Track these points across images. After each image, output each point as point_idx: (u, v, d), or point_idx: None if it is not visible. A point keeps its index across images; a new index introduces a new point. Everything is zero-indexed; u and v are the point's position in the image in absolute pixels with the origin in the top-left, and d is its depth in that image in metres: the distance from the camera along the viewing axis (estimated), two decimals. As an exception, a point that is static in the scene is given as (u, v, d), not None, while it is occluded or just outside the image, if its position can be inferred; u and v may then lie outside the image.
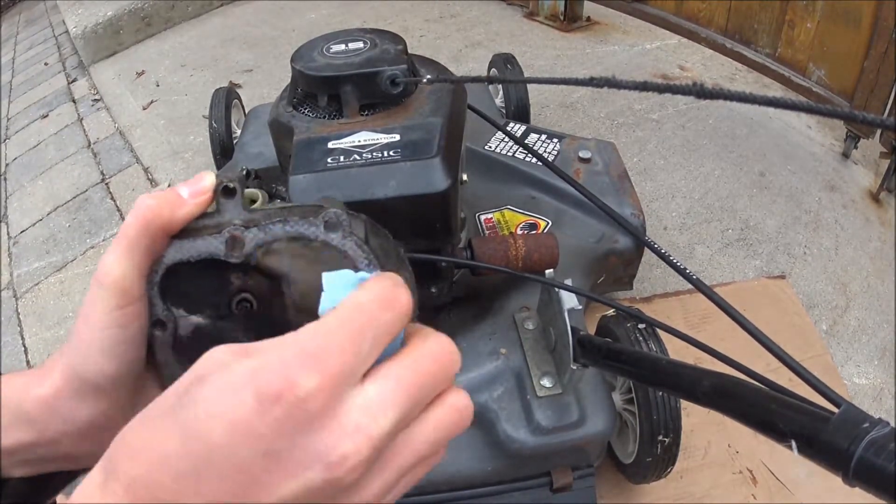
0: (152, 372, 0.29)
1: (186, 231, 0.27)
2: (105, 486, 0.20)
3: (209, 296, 0.27)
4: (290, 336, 0.21)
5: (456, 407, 0.24)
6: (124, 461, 0.20)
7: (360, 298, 0.23)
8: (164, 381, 0.29)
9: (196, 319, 0.28)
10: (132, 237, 0.25)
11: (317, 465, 0.20)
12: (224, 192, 0.27)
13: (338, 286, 0.24)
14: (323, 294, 0.24)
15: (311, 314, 0.25)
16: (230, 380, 0.20)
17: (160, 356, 0.28)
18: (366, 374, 0.22)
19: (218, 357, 0.22)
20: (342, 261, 0.26)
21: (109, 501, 0.20)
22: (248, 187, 0.29)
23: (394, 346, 0.24)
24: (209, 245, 0.26)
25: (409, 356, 0.23)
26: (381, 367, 0.22)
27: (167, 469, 0.20)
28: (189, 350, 0.28)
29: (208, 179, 0.27)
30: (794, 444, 0.33)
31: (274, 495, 0.20)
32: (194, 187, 0.27)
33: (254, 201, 0.55)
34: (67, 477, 0.31)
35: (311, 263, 0.26)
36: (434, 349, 0.24)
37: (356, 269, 0.26)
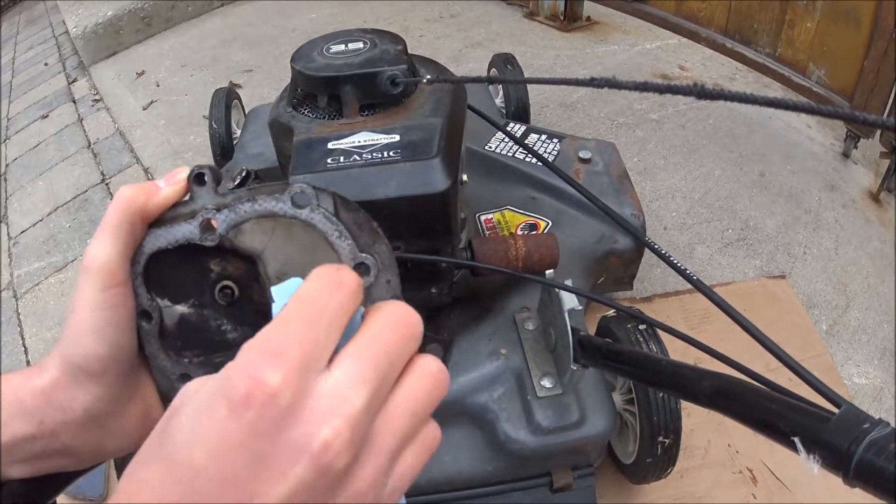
0: (145, 363, 0.29)
1: (163, 220, 0.28)
2: None
3: (191, 284, 0.28)
4: (247, 343, 0.21)
5: (429, 372, 0.24)
6: None
7: (306, 289, 0.23)
8: (154, 373, 0.29)
9: (181, 309, 0.28)
10: (113, 224, 0.27)
11: (303, 459, 0.20)
12: (196, 179, 0.28)
13: (286, 294, 0.24)
14: (273, 305, 0.25)
15: None
16: (201, 401, 0.21)
17: (148, 348, 0.28)
18: (331, 361, 0.22)
19: (189, 388, 0.22)
20: (312, 235, 0.27)
21: None
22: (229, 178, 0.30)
23: (354, 328, 0.24)
24: (184, 230, 0.27)
25: (367, 331, 0.23)
26: (344, 350, 0.22)
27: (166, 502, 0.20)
28: (175, 340, 0.29)
29: (183, 171, 0.28)
30: (800, 446, 0.33)
31: (270, 502, 0.20)
32: (169, 178, 0.28)
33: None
34: (66, 478, 0.31)
35: (283, 240, 0.27)
36: (391, 318, 0.23)
37: (326, 241, 0.27)
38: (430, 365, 0.24)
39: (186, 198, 0.29)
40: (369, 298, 0.26)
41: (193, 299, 0.28)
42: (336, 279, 0.23)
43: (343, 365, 0.22)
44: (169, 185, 0.28)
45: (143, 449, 0.22)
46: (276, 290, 0.25)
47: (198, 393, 0.21)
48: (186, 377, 0.28)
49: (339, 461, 0.20)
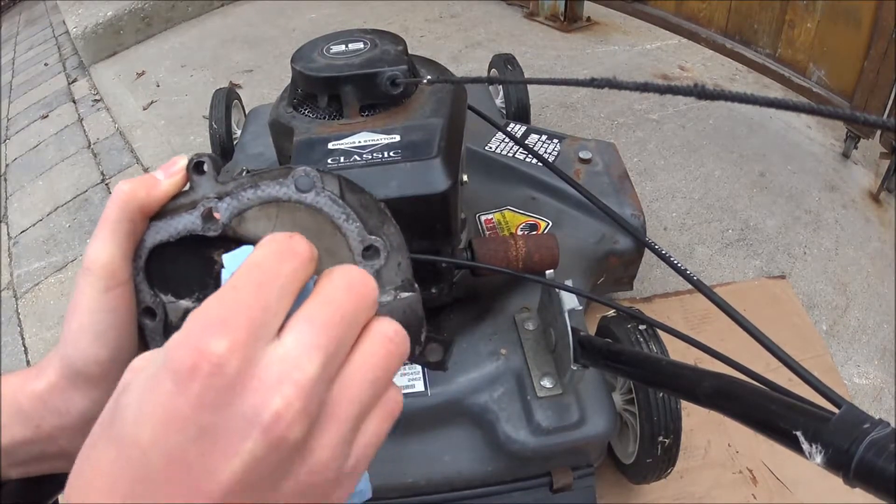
0: None
1: (164, 212, 0.27)
2: None
3: (195, 277, 0.27)
4: (192, 312, 0.20)
5: (386, 335, 0.23)
6: (78, 497, 0.20)
7: (256, 257, 0.22)
8: None
9: (185, 304, 0.27)
10: (113, 221, 0.26)
11: (253, 432, 0.19)
12: (196, 168, 0.27)
13: (237, 262, 0.23)
14: (223, 272, 0.24)
15: None
16: (147, 375, 0.20)
17: (152, 345, 0.28)
18: (281, 329, 0.21)
19: (136, 363, 0.21)
20: (318, 219, 0.26)
21: None
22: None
23: (306, 297, 0.23)
24: (186, 222, 0.27)
25: (318, 295, 0.22)
26: (294, 315, 0.21)
27: (117, 489, 0.19)
28: None
29: (181, 160, 0.27)
30: (807, 447, 0.33)
31: (222, 479, 0.19)
32: (167, 169, 0.27)
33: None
34: (65, 479, 0.31)
35: (288, 226, 0.26)
36: (343, 281, 0.22)
37: (333, 225, 0.26)
38: (386, 328, 0.23)
39: (186, 188, 0.28)
40: (380, 282, 0.25)
41: (198, 293, 0.27)
42: (287, 247, 0.22)
43: (294, 331, 0.21)
44: (168, 177, 0.27)
45: (95, 428, 0.21)
46: (227, 258, 0.24)
47: (144, 368, 0.20)
48: None
49: (293, 432, 0.19)
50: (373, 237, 0.26)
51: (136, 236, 0.27)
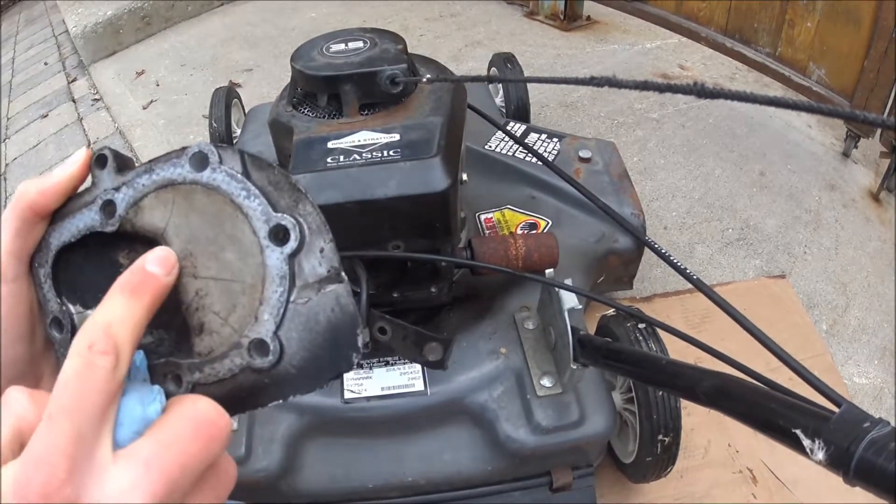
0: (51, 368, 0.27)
1: (64, 212, 0.25)
2: None
3: (102, 283, 0.24)
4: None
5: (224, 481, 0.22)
6: None
7: (64, 375, 0.20)
8: None
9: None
10: (3, 219, 0.25)
11: None
12: (98, 163, 0.26)
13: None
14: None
15: (194, 276, 0.23)
16: None
17: (62, 358, 0.25)
18: (123, 445, 0.20)
19: None
20: (216, 200, 0.23)
21: None
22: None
23: (139, 378, 0.21)
24: (86, 219, 0.25)
25: (162, 430, 0.20)
26: (135, 446, 0.20)
27: None
28: None
29: (79, 153, 0.26)
30: (807, 445, 0.33)
31: None
32: (65, 162, 0.26)
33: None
34: None
35: (186, 212, 0.23)
36: (192, 422, 0.21)
37: (233, 205, 0.23)
38: (230, 469, 0.22)
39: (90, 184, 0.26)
40: (299, 270, 0.23)
41: None
42: (88, 361, 0.20)
43: (130, 469, 0.19)
44: (63, 171, 0.25)
45: None
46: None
47: None
48: None
49: None
50: (280, 215, 0.23)
51: (31, 235, 0.25)
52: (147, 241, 0.24)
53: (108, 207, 0.24)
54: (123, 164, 0.25)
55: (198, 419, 0.21)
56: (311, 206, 0.23)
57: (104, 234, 0.24)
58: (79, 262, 0.25)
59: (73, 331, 0.25)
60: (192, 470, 0.20)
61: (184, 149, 0.24)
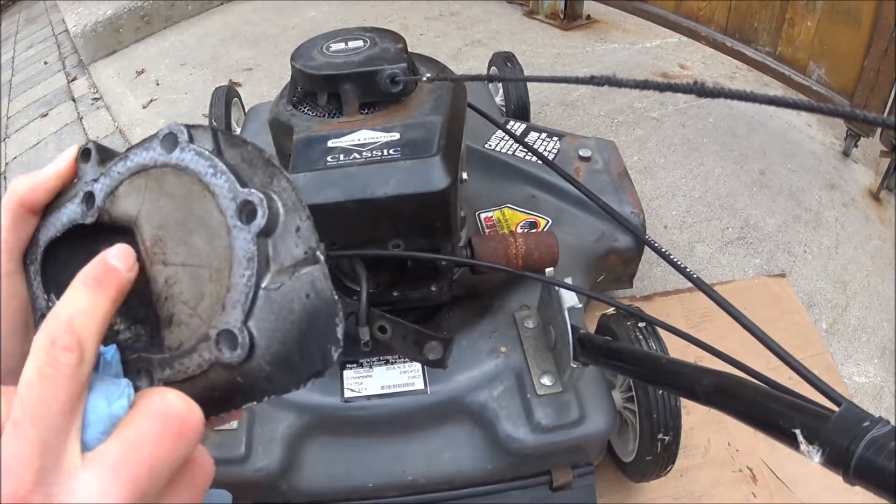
0: None
1: (53, 208, 0.25)
2: None
3: None
4: None
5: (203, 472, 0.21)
6: None
7: (27, 374, 0.19)
8: None
9: None
10: None
11: None
12: (82, 156, 0.25)
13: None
14: None
15: (166, 264, 0.22)
16: None
17: None
18: (89, 447, 0.19)
19: None
20: (185, 180, 0.22)
21: None
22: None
23: (109, 373, 0.21)
24: (70, 212, 0.25)
25: (128, 430, 0.20)
26: (101, 449, 0.19)
27: None
28: None
29: (69, 150, 0.26)
30: (806, 445, 0.33)
31: None
32: (55, 159, 0.26)
33: None
34: None
35: (157, 196, 0.22)
36: (159, 419, 0.20)
37: (201, 184, 0.22)
38: (206, 462, 0.22)
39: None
40: (275, 253, 0.21)
41: None
42: (52, 357, 0.19)
43: (97, 475, 0.19)
44: (52, 167, 0.25)
45: None
46: None
47: None
48: None
49: None
50: (246, 190, 0.21)
51: (23, 231, 0.25)
52: (124, 230, 0.23)
53: (89, 199, 0.24)
54: (107, 156, 0.25)
55: (166, 415, 0.20)
56: (286, 182, 0.22)
57: (87, 226, 0.24)
58: (65, 256, 0.25)
59: None
60: (162, 470, 0.20)
61: (158, 132, 0.23)
